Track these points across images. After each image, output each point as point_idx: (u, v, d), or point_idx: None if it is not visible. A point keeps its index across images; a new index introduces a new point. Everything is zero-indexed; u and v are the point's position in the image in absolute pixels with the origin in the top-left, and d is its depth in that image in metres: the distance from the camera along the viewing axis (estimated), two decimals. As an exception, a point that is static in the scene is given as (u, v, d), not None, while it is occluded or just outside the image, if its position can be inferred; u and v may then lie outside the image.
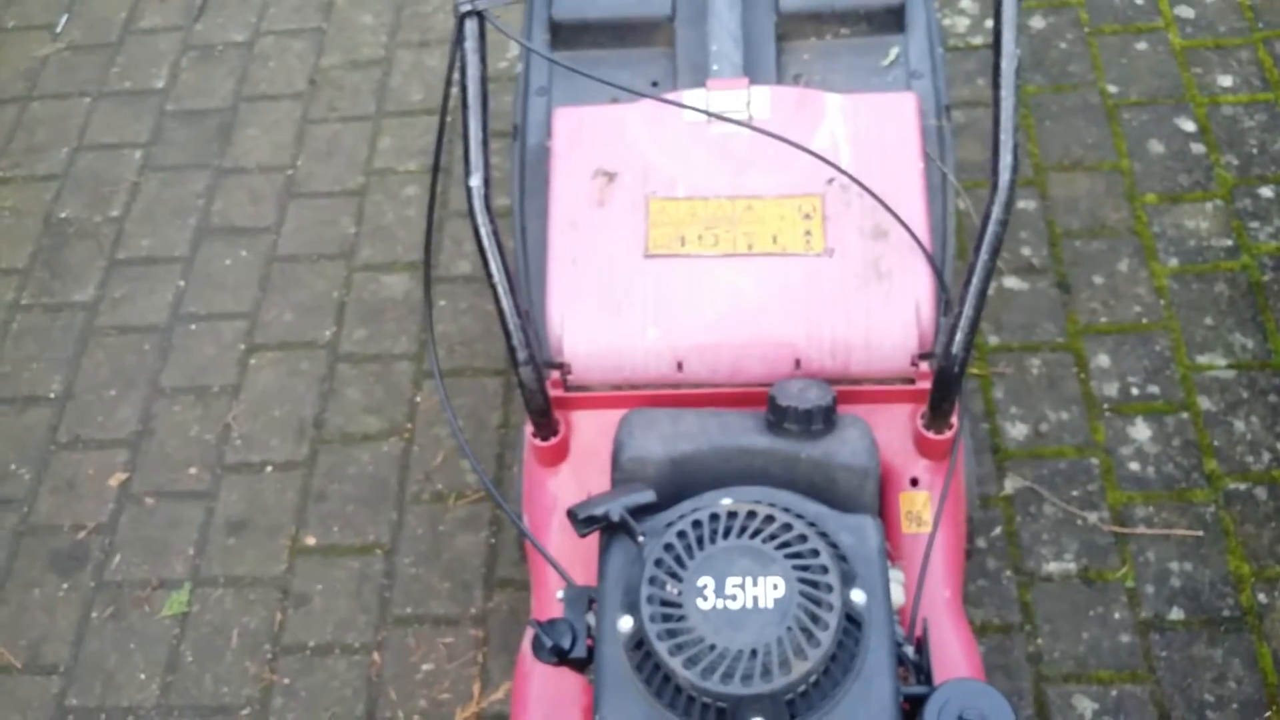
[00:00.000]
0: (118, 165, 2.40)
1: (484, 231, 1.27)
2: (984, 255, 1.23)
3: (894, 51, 1.59)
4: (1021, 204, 2.11)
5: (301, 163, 2.36)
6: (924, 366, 1.35)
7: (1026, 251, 2.06)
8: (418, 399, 2.02)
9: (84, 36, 2.64)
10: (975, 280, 1.23)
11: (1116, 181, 2.13)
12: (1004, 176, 1.22)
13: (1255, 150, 2.14)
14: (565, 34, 1.63)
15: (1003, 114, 1.22)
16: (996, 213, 1.22)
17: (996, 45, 1.24)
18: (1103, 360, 1.93)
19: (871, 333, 1.34)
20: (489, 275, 1.29)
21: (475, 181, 1.28)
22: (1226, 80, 2.24)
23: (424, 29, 2.54)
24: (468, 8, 1.30)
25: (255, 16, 2.61)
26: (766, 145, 1.41)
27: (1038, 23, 2.37)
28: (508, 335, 1.29)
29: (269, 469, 1.98)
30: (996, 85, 1.22)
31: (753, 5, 1.60)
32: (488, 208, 1.28)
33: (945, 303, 1.37)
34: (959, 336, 1.25)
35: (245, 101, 2.47)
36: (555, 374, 1.37)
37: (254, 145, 2.39)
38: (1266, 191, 2.09)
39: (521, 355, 1.29)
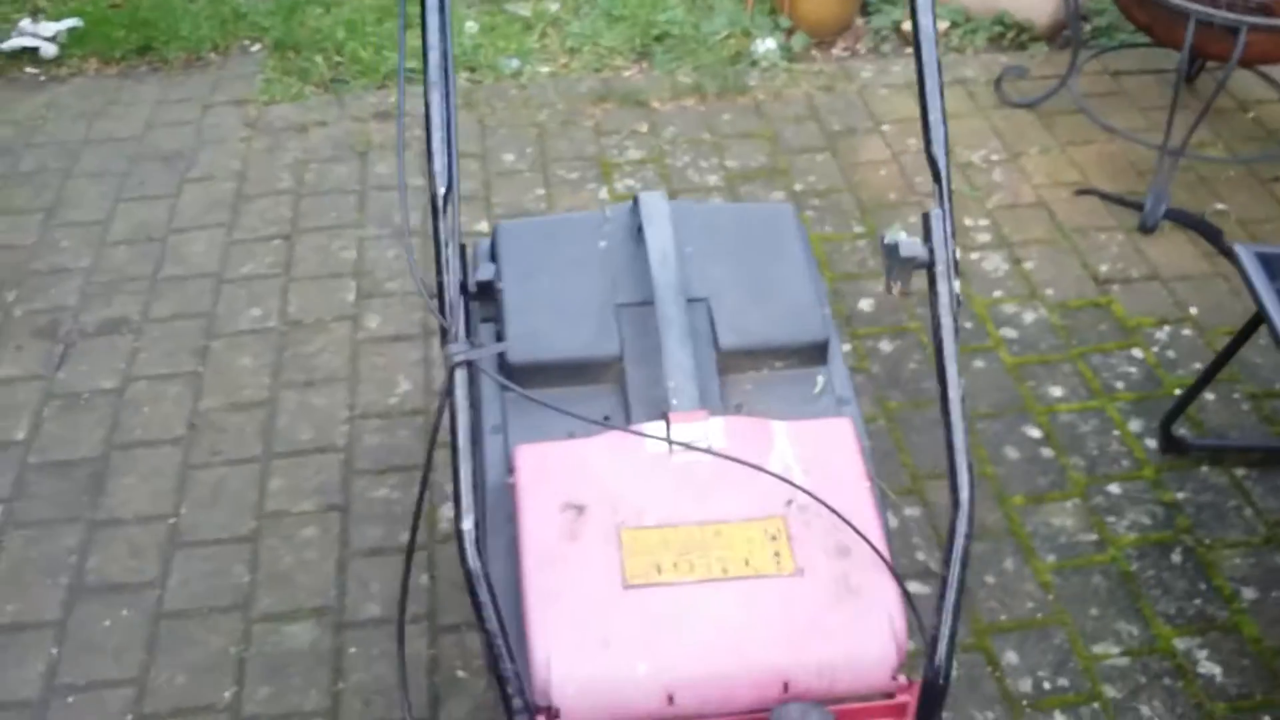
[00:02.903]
0: (-24, 525, 2.23)
1: (476, 576, 1.27)
2: (955, 569, 1.32)
3: (821, 380, 1.73)
4: (907, 511, 2.26)
5: (185, 510, 2.25)
6: (902, 680, 1.39)
7: (921, 556, 2.19)
8: (335, 759, 1.88)
9: (-70, 389, 2.51)
10: (950, 594, 1.32)
11: (985, 486, 2.32)
12: (964, 494, 1.34)
13: (1096, 452, 2.39)
14: (519, 376, 1.69)
15: (955, 438, 1.36)
16: (962, 527, 1.33)
17: (941, 375, 1.39)
18: (1011, 657, 2.03)
19: (852, 650, 1.38)
20: (482, 622, 1.28)
21: (467, 525, 1.30)
22: (1057, 391, 2.52)
23: (308, 369, 2.55)
24: (460, 359, 1.36)
25: (124, 363, 2.55)
26: (725, 471, 1.49)
27: (886, 346, 2.63)
28: (502, 684, 1.26)
29: None
30: (946, 413, 1.37)
31: (696, 343, 1.72)
32: (480, 552, 1.28)
33: (915, 615, 1.43)
34: (941, 648, 1.31)
35: (118, 450, 2.37)
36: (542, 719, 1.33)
37: (131, 495, 2.28)
38: (1114, 489, 2.32)
39: (517, 704, 1.25)
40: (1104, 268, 2.86)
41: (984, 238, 2.95)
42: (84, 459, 2.35)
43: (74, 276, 2.82)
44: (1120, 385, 2.54)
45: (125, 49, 3.70)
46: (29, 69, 3.63)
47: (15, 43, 3.65)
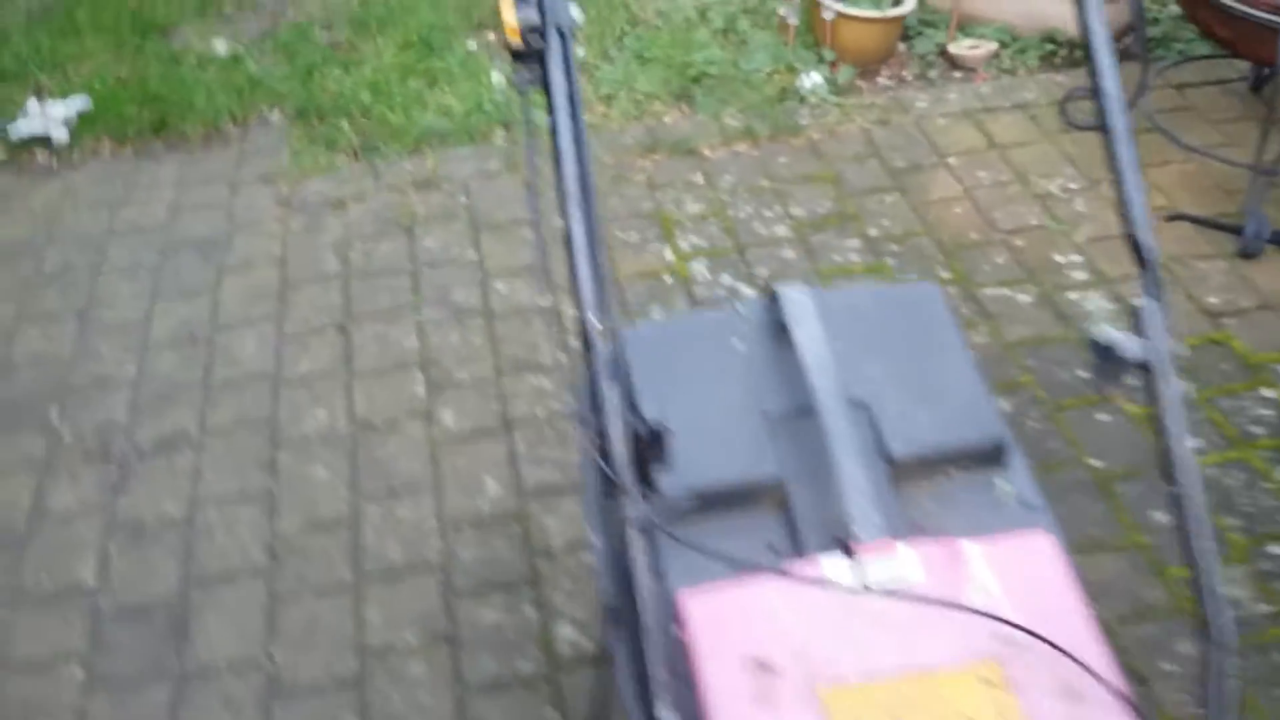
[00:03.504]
0: (54, 688, 2.02)
1: None
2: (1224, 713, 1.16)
3: (1004, 486, 1.56)
4: (1059, 593, 2.09)
5: (279, 652, 2.06)
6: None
7: (1086, 645, 2.01)
8: None
9: (-20, 529, 2.30)
10: None
11: (1139, 558, 2.15)
12: (1224, 618, 1.18)
13: (1250, 509, 2.22)
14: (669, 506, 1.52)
15: (1204, 560, 1.20)
16: (1227, 667, 1.17)
17: (1177, 490, 1.23)
18: (1210, 757, 1.86)
19: (1102, 814, 1.21)
20: None
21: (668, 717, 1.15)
22: (1192, 442, 2.35)
23: (387, 475, 2.36)
24: (642, 524, 1.22)
25: (188, 484, 2.36)
26: (924, 609, 1.32)
27: (1004, 405, 2.46)
28: None
29: None
30: (1185, 531, 1.21)
31: (866, 457, 1.55)
32: None
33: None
34: None
35: (196, 586, 2.17)
36: None
37: (217, 638, 2.08)
38: (1278, 550, 2.15)
39: None
40: (1212, 299, 2.70)
41: (1080, 275, 2.79)
42: (161, 601, 2.15)
43: (120, 388, 2.62)
44: (1259, 431, 2.37)
45: (138, 126, 3.51)
46: (39, 157, 3.44)
47: (25, 129, 3.45)
